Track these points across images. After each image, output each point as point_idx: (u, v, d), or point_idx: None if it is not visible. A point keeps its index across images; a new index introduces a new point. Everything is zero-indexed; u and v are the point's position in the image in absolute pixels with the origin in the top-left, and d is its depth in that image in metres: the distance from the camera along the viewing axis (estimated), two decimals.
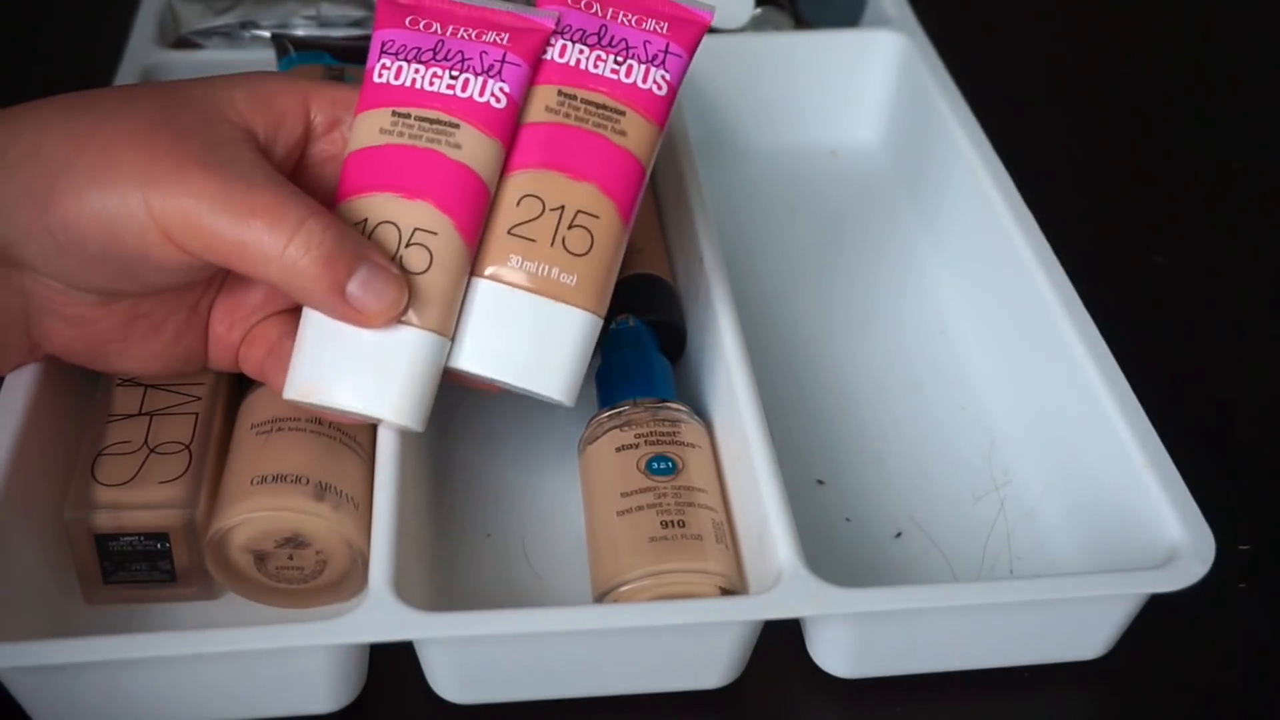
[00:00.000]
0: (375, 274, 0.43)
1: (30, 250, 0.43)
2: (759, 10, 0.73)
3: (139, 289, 0.45)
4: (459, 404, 0.56)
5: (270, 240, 0.42)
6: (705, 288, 0.55)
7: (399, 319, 0.44)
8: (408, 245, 0.44)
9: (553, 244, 0.45)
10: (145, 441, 0.48)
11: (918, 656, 0.47)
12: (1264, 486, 0.56)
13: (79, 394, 0.51)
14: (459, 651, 0.44)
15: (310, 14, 0.72)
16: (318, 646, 0.43)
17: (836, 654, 0.47)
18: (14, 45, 0.82)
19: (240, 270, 0.43)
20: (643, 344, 0.54)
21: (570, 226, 0.46)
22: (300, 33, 0.71)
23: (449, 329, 0.45)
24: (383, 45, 0.47)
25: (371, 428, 0.49)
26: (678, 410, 0.51)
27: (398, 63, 0.46)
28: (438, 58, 0.46)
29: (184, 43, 0.72)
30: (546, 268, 0.45)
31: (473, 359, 0.45)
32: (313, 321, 0.45)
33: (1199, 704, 0.48)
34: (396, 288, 0.43)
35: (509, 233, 0.46)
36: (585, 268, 0.46)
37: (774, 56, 0.72)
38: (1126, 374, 0.51)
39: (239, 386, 0.51)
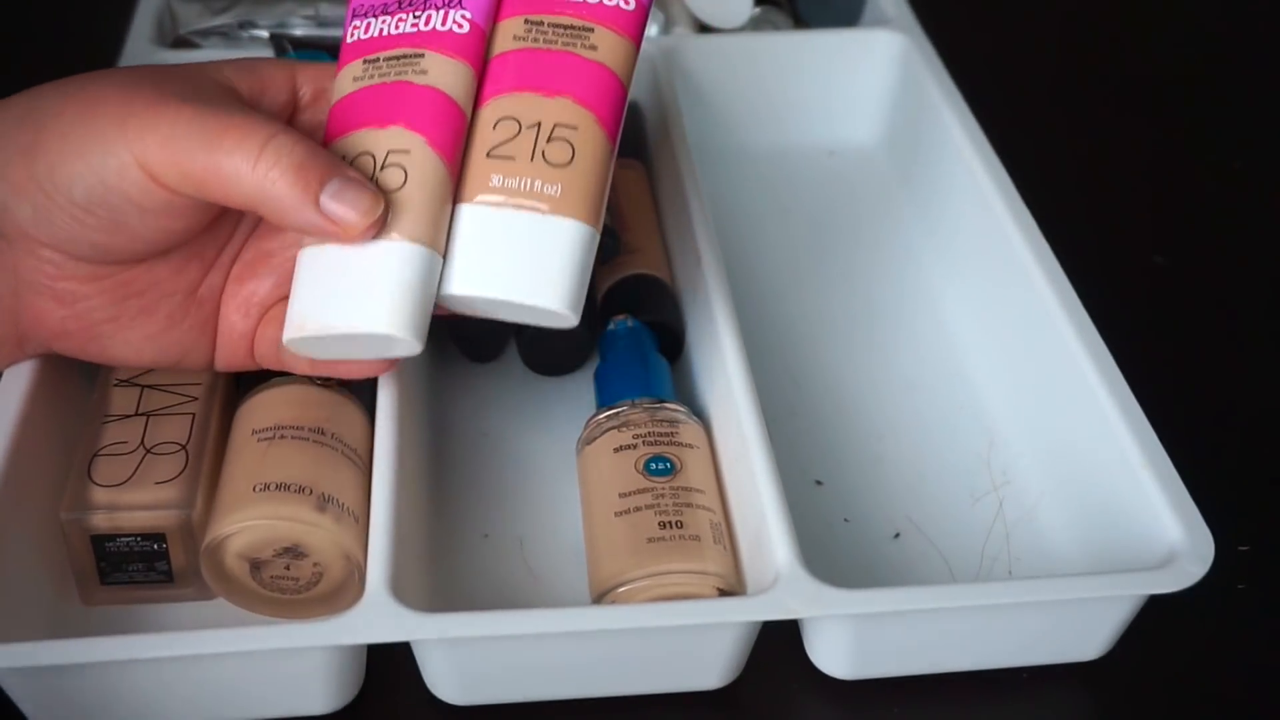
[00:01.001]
0: (348, 185, 0.43)
1: (22, 210, 0.44)
2: (758, 10, 0.73)
3: (128, 244, 0.45)
4: (456, 403, 0.56)
5: (241, 156, 0.42)
6: (704, 288, 0.55)
7: (382, 235, 0.44)
8: (382, 168, 0.45)
9: (532, 159, 0.45)
10: (142, 442, 0.47)
11: (916, 657, 0.47)
12: (1263, 487, 0.56)
13: (75, 395, 0.51)
14: (456, 652, 0.44)
15: (309, 14, 0.72)
16: (315, 647, 0.43)
17: (834, 655, 0.47)
18: (12, 44, 0.82)
19: (218, 198, 0.43)
20: (641, 344, 0.54)
21: (549, 140, 0.45)
22: (299, 32, 0.71)
23: (437, 242, 0.45)
24: (353, 10, 0.48)
25: (369, 438, 0.49)
26: (676, 410, 0.51)
27: (366, 20, 0.47)
28: (403, 7, 0.47)
29: (182, 42, 0.72)
30: (528, 181, 0.45)
31: (465, 281, 0.45)
32: (303, 262, 0.45)
33: (1198, 705, 0.48)
34: (371, 196, 0.43)
35: (488, 156, 0.45)
36: (569, 177, 0.45)
37: (773, 56, 0.72)
38: (1126, 374, 0.51)
39: (236, 387, 0.51)
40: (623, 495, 0.48)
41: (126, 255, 0.45)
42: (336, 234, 0.43)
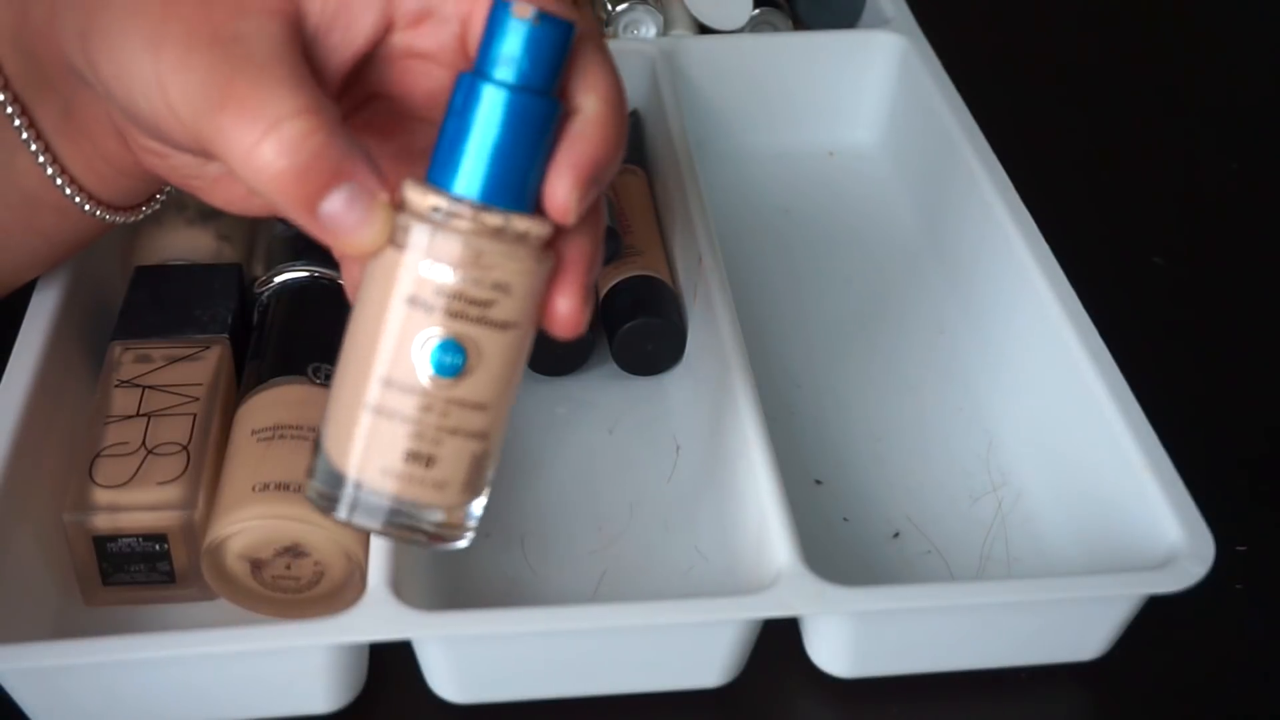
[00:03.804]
0: (357, 197, 0.36)
1: (86, 75, 0.41)
2: (757, 11, 0.73)
3: (179, 149, 0.41)
4: None
5: (238, 135, 0.36)
6: (704, 289, 0.55)
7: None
8: None
9: None
10: (143, 443, 0.48)
11: (915, 656, 0.47)
12: (1260, 487, 0.56)
13: (77, 395, 0.51)
14: (457, 651, 0.44)
15: None
16: (317, 646, 0.43)
17: (834, 653, 0.47)
18: None
19: (228, 168, 0.37)
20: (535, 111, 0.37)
21: None
22: None
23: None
24: None
25: None
26: (521, 234, 0.37)
27: None
28: None
29: None
30: None
31: None
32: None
33: (1196, 705, 0.48)
34: (380, 220, 0.36)
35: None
36: None
37: (772, 57, 0.72)
38: (1125, 375, 0.51)
39: (237, 387, 0.51)
40: (387, 385, 0.37)
41: (182, 150, 0.42)
42: (330, 244, 0.37)
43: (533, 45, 0.36)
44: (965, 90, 0.66)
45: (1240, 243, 0.70)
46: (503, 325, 0.37)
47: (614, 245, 0.59)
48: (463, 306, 0.36)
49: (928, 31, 0.71)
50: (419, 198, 0.36)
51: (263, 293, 0.55)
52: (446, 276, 0.36)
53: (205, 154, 0.39)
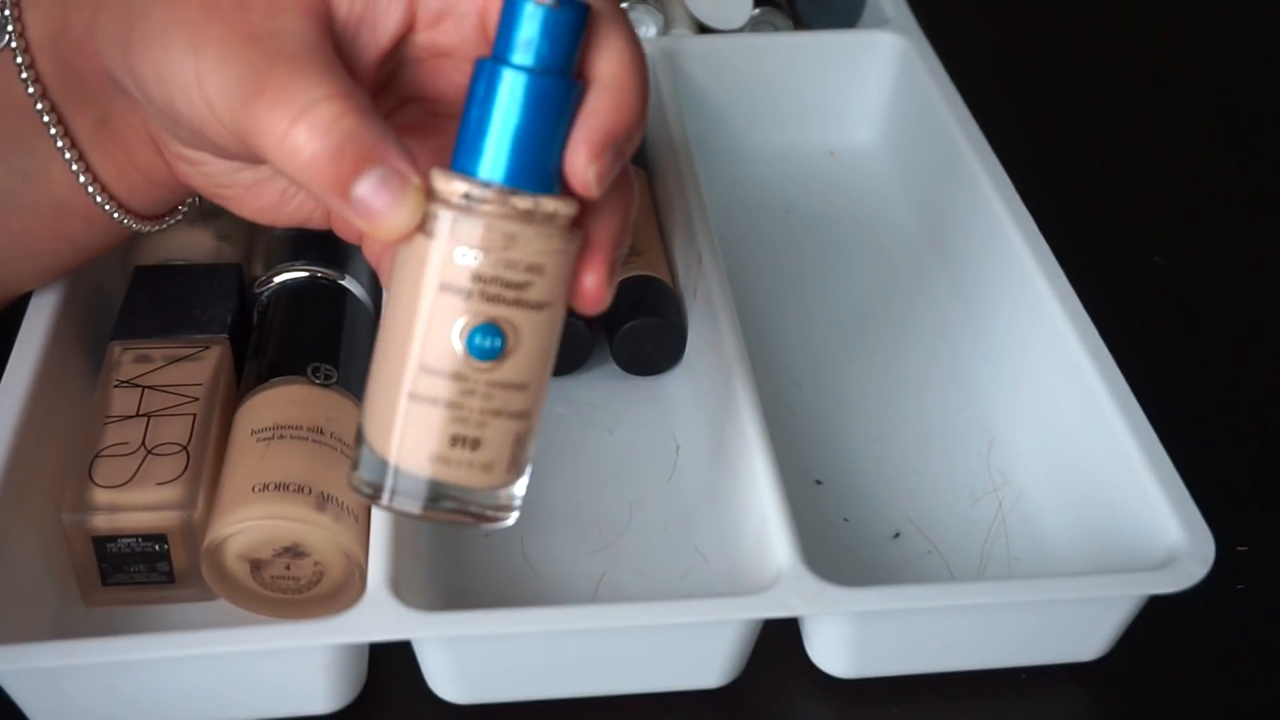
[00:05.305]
0: (389, 179, 0.37)
1: (125, 82, 0.42)
2: (757, 11, 0.73)
3: (217, 150, 0.42)
4: None
5: (271, 122, 0.37)
6: (705, 288, 0.55)
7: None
8: None
9: None
10: (143, 443, 0.48)
11: (916, 657, 0.47)
12: (1261, 488, 0.56)
13: (76, 396, 0.51)
14: (457, 651, 0.44)
15: None
16: (317, 646, 0.43)
17: (835, 654, 0.47)
18: None
19: (264, 159, 0.38)
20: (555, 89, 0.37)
21: None
22: None
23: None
24: None
25: None
26: (550, 215, 0.37)
27: None
28: None
29: None
30: None
31: None
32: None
33: (1197, 705, 0.48)
34: (412, 202, 0.37)
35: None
36: None
37: (772, 57, 0.72)
38: (1125, 375, 0.51)
39: (237, 387, 0.51)
40: (426, 371, 0.37)
41: (219, 154, 0.43)
42: (363, 228, 0.37)
43: (550, 29, 0.37)
44: (965, 90, 0.66)
45: (1240, 243, 0.70)
46: (538, 306, 0.38)
47: None
48: (498, 290, 0.37)
49: (928, 31, 0.71)
50: (446, 184, 0.37)
51: (262, 293, 0.55)
52: (479, 261, 0.37)
53: (245, 150, 0.39)
